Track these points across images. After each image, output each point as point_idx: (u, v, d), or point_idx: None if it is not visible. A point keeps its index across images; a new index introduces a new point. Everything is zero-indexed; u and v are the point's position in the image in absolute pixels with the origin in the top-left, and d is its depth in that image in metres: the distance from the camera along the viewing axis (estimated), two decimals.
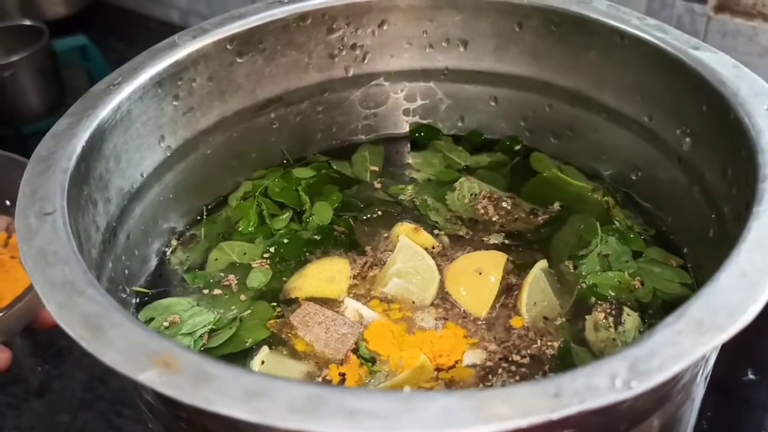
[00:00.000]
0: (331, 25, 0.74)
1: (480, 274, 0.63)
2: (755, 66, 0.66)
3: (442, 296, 0.63)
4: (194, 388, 0.37)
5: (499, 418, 0.35)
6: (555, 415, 0.35)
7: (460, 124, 0.81)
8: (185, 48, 0.67)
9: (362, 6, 0.74)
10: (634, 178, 0.71)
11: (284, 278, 0.65)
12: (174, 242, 0.70)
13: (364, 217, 0.71)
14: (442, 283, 0.64)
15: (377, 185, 0.75)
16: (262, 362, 0.58)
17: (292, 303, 0.63)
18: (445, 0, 0.74)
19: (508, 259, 0.65)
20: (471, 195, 0.72)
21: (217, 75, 0.70)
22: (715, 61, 0.59)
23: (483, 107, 0.79)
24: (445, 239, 0.68)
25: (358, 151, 0.79)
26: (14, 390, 0.82)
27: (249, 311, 0.62)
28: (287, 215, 0.71)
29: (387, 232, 0.69)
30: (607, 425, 0.44)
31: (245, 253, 0.68)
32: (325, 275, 0.65)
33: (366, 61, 0.77)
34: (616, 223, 0.68)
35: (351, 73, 0.77)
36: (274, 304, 0.63)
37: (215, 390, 0.37)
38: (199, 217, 0.73)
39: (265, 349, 0.59)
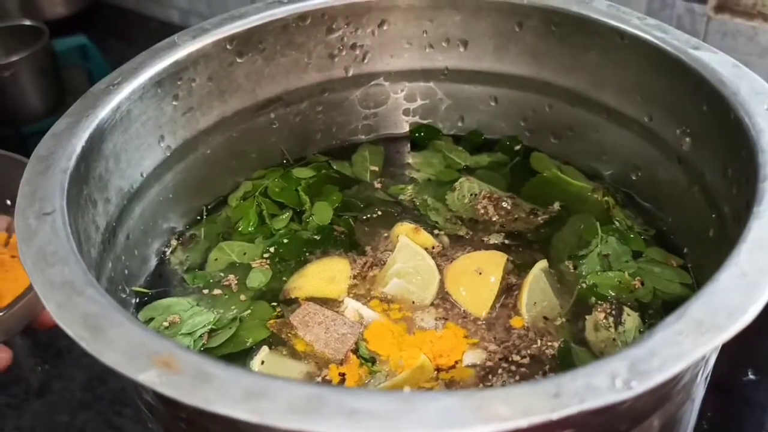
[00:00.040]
0: (330, 25, 0.73)
1: (480, 274, 0.63)
2: (755, 66, 0.66)
3: (442, 296, 0.63)
4: (194, 388, 0.37)
5: (499, 418, 0.35)
6: (555, 415, 0.35)
7: (460, 124, 0.81)
8: (185, 48, 0.67)
9: (362, 6, 0.74)
10: (634, 178, 0.71)
11: (284, 278, 0.65)
12: (174, 242, 0.70)
13: (364, 217, 0.71)
14: (442, 283, 0.64)
15: (377, 185, 0.75)
16: (262, 362, 0.58)
17: (292, 303, 0.63)
18: (445, 0, 0.74)
19: (508, 259, 0.65)
20: (471, 195, 0.72)
21: (216, 75, 0.70)
22: (715, 61, 0.59)
23: (483, 107, 0.79)
24: (445, 239, 0.68)
25: (358, 151, 0.79)
26: (14, 390, 0.82)
27: (249, 311, 0.62)
28: (287, 215, 0.71)
29: (387, 232, 0.69)
30: (607, 425, 0.44)
31: (245, 253, 0.68)
32: (325, 275, 0.65)
33: (366, 61, 0.77)
34: (616, 223, 0.68)
35: (351, 73, 0.77)
36: (274, 304, 0.63)
37: (215, 390, 0.37)
38: (198, 217, 0.73)
39: (265, 349, 0.59)
